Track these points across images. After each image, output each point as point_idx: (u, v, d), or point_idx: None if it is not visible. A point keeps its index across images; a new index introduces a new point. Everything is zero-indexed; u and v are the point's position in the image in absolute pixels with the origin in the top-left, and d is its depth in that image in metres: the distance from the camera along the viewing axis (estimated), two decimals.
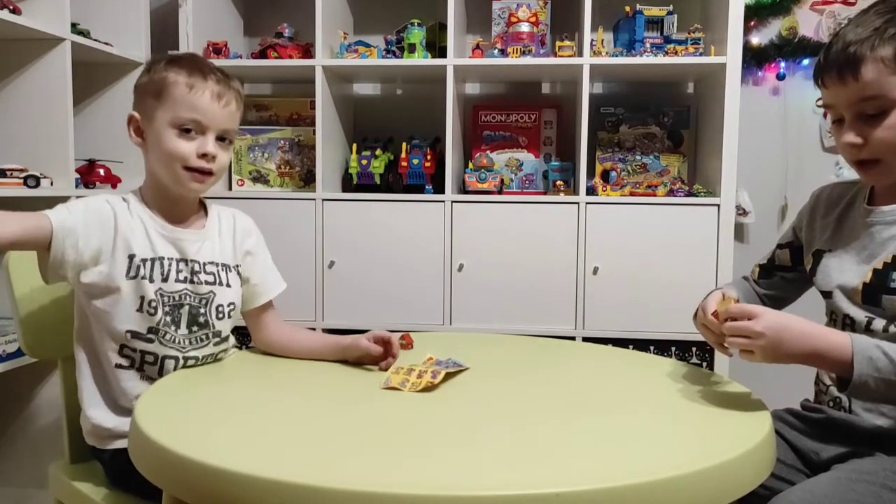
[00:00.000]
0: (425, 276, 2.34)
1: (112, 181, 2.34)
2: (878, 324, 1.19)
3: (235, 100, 1.37)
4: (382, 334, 1.36)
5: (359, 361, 1.37)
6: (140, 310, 1.31)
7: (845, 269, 1.26)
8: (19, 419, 2.27)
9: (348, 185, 2.49)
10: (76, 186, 2.14)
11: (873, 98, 1.14)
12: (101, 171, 2.31)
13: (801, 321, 1.11)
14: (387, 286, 2.35)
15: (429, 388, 1.18)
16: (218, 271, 1.40)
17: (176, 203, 1.38)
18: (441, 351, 1.40)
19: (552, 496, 0.81)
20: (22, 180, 1.97)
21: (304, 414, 1.11)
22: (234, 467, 0.85)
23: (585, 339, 2.26)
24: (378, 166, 2.42)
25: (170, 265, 1.34)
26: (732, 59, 2.19)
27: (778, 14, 2.58)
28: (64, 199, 2.04)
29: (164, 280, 1.33)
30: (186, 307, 1.35)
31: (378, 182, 2.43)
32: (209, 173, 1.34)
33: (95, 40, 2.25)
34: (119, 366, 1.33)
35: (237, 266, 1.44)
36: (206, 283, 1.38)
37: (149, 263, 1.32)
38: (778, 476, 1.18)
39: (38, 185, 1.99)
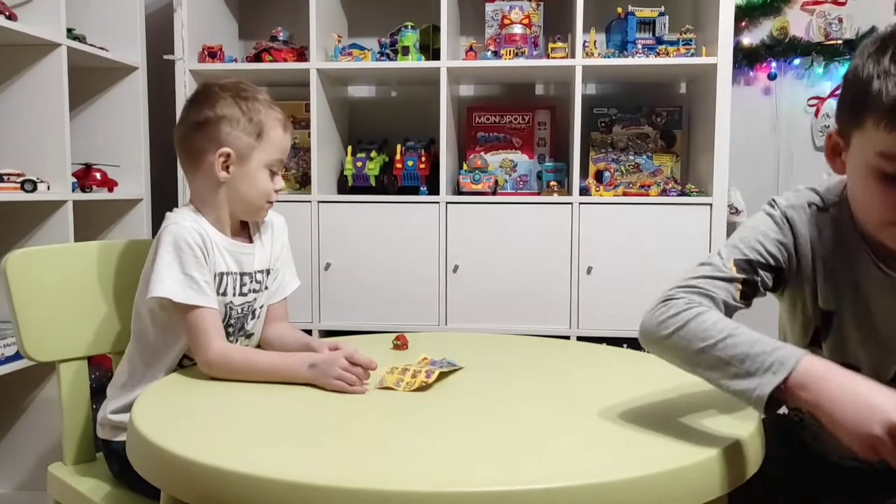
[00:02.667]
0: (420, 277, 2.35)
1: (108, 185, 2.35)
2: None
3: None
4: (346, 349, 1.27)
5: None
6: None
7: (867, 343, 1.08)
8: (18, 422, 2.28)
9: (344, 186, 2.50)
10: (73, 190, 2.16)
11: None
12: (98, 175, 2.32)
13: None
14: (382, 287, 2.37)
15: (423, 388, 1.20)
16: (263, 278, 1.46)
17: (234, 220, 1.43)
18: (436, 351, 1.42)
19: (541, 492, 0.82)
20: (19, 185, 1.99)
21: (300, 413, 1.12)
22: (230, 466, 0.87)
23: (580, 339, 2.28)
24: (373, 168, 2.43)
25: (234, 279, 1.40)
26: (723, 59, 2.21)
27: (769, 14, 2.60)
28: (61, 204, 2.08)
29: (234, 294, 1.40)
30: (242, 318, 1.42)
31: (373, 184, 2.44)
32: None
33: (91, 45, 2.26)
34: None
35: (270, 269, 1.49)
36: (253, 291, 1.44)
37: (225, 278, 1.38)
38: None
39: (34, 189, 2.01)
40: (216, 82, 1.41)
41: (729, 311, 1.05)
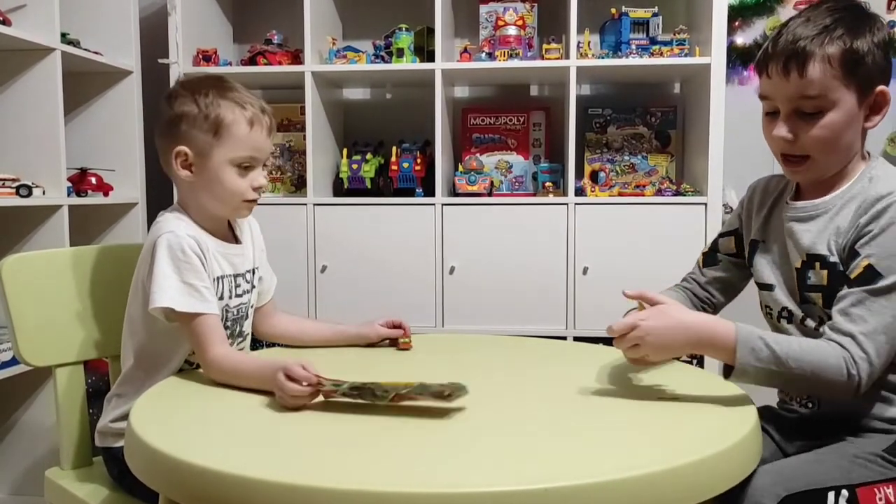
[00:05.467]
0: (417, 279, 2.35)
1: (104, 189, 2.35)
2: (811, 322, 1.23)
3: (275, 127, 1.42)
4: (394, 320, 1.50)
5: (370, 344, 1.51)
6: None
7: (778, 265, 1.29)
8: (14, 427, 2.28)
9: (339, 189, 2.50)
10: (68, 195, 2.15)
11: (814, 97, 1.15)
12: (93, 180, 2.32)
13: (683, 315, 1.15)
14: (379, 289, 2.37)
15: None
16: (251, 278, 1.46)
17: (220, 222, 1.43)
18: (434, 352, 1.42)
19: (541, 491, 0.82)
20: (14, 190, 1.98)
21: (296, 416, 1.11)
22: (227, 469, 0.87)
23: (576, 339, 2.28)
24: (368, 170, 2.43)
25: (230, 282, 1.40)
26: (717, 59, 2.22)
27: (762, 14, 2.60)
28: (56, 208, 2.08)
29: (230, 297, 1.40)
30: (238, 320, 1.43)
31: (369, 186, 2.44)
32: (257, 200, 1.40)
33: (85, 50, 2.26)
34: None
35: (257, 268, 1.49)
36: (246, 292, 1.44)
37: (222, 282, 1.38)
38: None
39: (30, 194, 2.00)
40: (182, 80, 1.41)
41: (698, 277, 1.45)
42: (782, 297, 1.27)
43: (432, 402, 1.06)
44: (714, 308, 1.44)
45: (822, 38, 1.13)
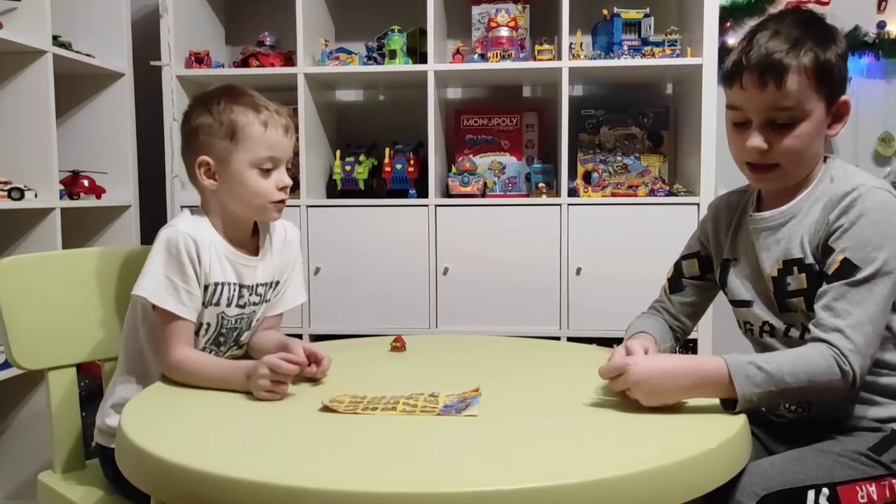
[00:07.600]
0: (411, 280, 2.35)
1: (96, 192, 2.35)
2: (794, 332, 1.23)
3: (293, 127, 1.43)
4: (317, 352, 1.28)
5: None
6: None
7: (752, 279, 1.29)
8: (7, 431, 2.28)
9: (332, 191, 2.51)
10: (60, 198, 2.15)
11: (788, 108, 1.17)
12: (86, 182, 2.32)
13: (670, 361, 1.13)
14: (373, 291, 2.37)
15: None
16: (265, 291, 1.45)
17: (245, 226, 1.43)
18: (427, 353, 1.42)
19: (531, 491, 0.83)
20: (6, 193, 1.98)
21: (287, 417, 1.12)
22: (218, 470, 0.87)
23: (570, 339, 2.28)
24: (362, 172, 2.43)
25: (231, 290, 1.39)
26: (709, 59, 2.23)
27: (753, 14, 2.60)
28: (48, 211, 2.08)
29: (229, 305, 1.39)
30: (236, 331, 1.42)
31: (362, 187, 2.45)
32: (285, 200, 1.41)
33: (77, 52, 2.26)
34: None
35: (278, 282, 1.48)
36: (252, 304, 1.43)
37: (220, 288, 1.37)
38: None
39: (22, 197, 2.00)
40: (196, 95, 1.44)
41: (668, 306, 1.43)
42: (761, 311, 1.27)
43: (454, 415, 1.09)
44: (684, 335, 1.45)
45: (796, 51, 1.16)
